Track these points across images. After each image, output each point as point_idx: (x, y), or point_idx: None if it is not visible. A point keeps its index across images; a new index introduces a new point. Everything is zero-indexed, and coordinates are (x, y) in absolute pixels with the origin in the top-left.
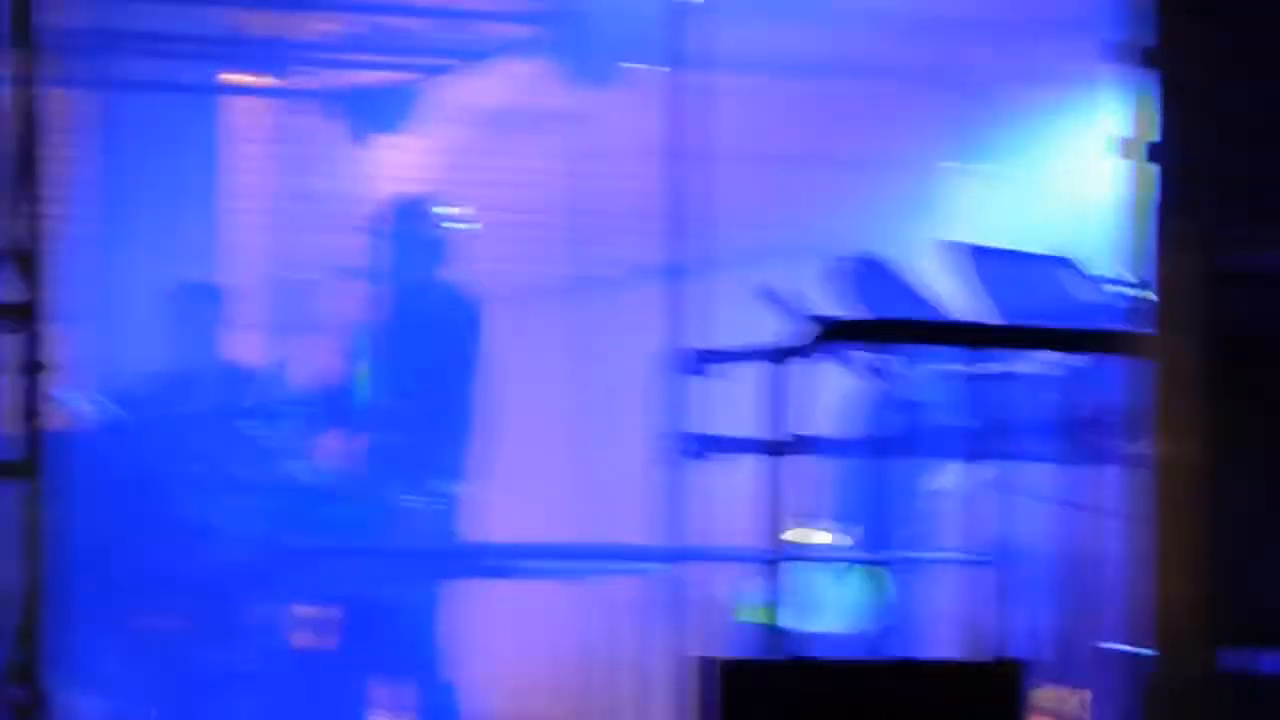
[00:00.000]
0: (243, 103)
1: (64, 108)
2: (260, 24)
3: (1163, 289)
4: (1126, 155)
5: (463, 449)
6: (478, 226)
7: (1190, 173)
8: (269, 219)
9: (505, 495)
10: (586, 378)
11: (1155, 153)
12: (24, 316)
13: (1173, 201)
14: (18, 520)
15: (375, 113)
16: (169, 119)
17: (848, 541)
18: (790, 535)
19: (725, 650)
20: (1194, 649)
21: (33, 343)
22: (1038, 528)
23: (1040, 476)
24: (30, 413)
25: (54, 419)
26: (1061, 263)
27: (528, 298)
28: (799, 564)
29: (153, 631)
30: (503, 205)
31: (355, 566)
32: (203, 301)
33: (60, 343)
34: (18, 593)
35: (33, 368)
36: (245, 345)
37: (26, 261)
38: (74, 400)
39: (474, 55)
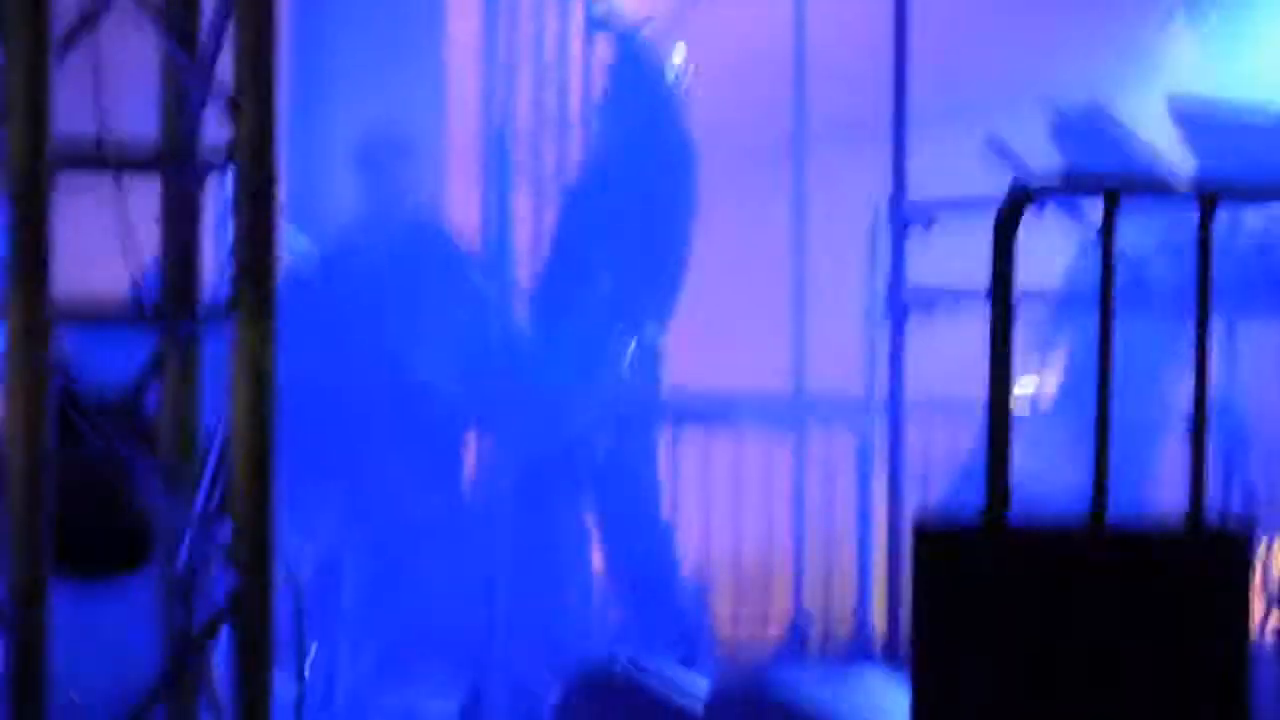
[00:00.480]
0: None
1: None
2: None
3: None
4: None
5: (677, 297)
6: (695, 74)
7: None
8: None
9: (724, 346)
10: (808, 231)
11: None
12: (258, 160)
13: None
14: (241, 363)
15: None
16: None
17: (1068, 398)
18: (1018, 389)
19: (944, 508)
20: None
21: (267, 185)
22: (1263, 389)
23: (1266, 336)
24: (263, 255)
25: (280, 260)
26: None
27: (750, 150)
28: (1024, 419)
29: (372, 477)
30: (724, 58)
31: (571, 414)
32: (398, 154)
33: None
34: (245, 440)
35: (266, 211)
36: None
37: (262, 105)
38: (293, 240)
39: None
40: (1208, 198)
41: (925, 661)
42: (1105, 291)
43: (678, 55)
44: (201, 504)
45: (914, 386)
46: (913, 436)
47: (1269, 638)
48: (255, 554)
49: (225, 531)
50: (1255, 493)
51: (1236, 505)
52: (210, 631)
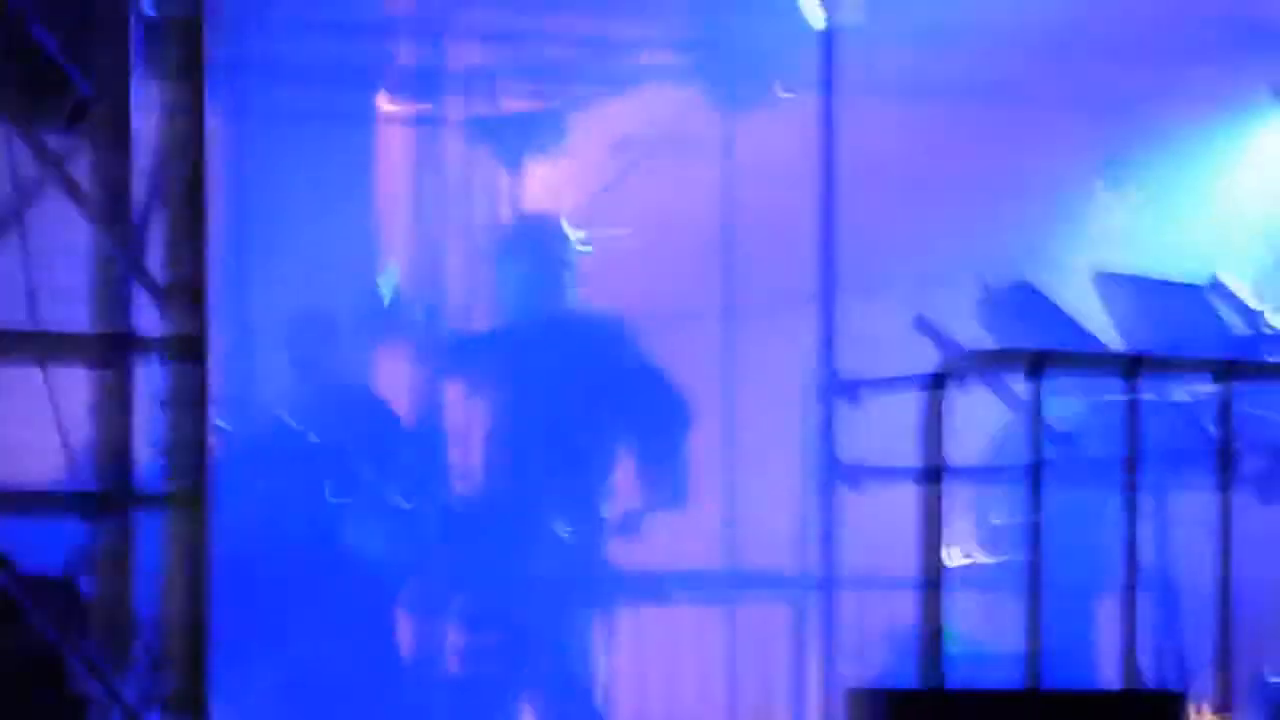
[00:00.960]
0: (393, 130)
1: (224, 137)
2: (410, 53)
3: None
4: None
5: (609, 474)
6: (621, 247)
7: None
8: (417, 245)
9: (655, 521)
10: (737, 403)
11: None
12: (190, 349)
13: None
14: (175, 549)
15: (524, 139)
16: (322, 147)
17: (1003, 568)
18: (949, 560)
19: (879, 679)
20: None
21: (199, 375)
22: (1192, 555)
23: (1194, 505)
24: (196, 443)
25: (213, 448)
26: (1211, 289)
27: (677, 322)
28: (957, 591)
29: (309, 657)
30: (652, 230)
31: (507, 593)
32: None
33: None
34: (180, 622)
35: (199, 400)
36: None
37: (193, 294)
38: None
39: (622, 82)
40: (1130, 365)
41: None
42: (1034, 457)
43: (573, 231)
44: (135, 687)
45: (849, 560)
46: (849, 610)
47: None
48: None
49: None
50: (1185, 658)
51: (1169, 669)
52: None
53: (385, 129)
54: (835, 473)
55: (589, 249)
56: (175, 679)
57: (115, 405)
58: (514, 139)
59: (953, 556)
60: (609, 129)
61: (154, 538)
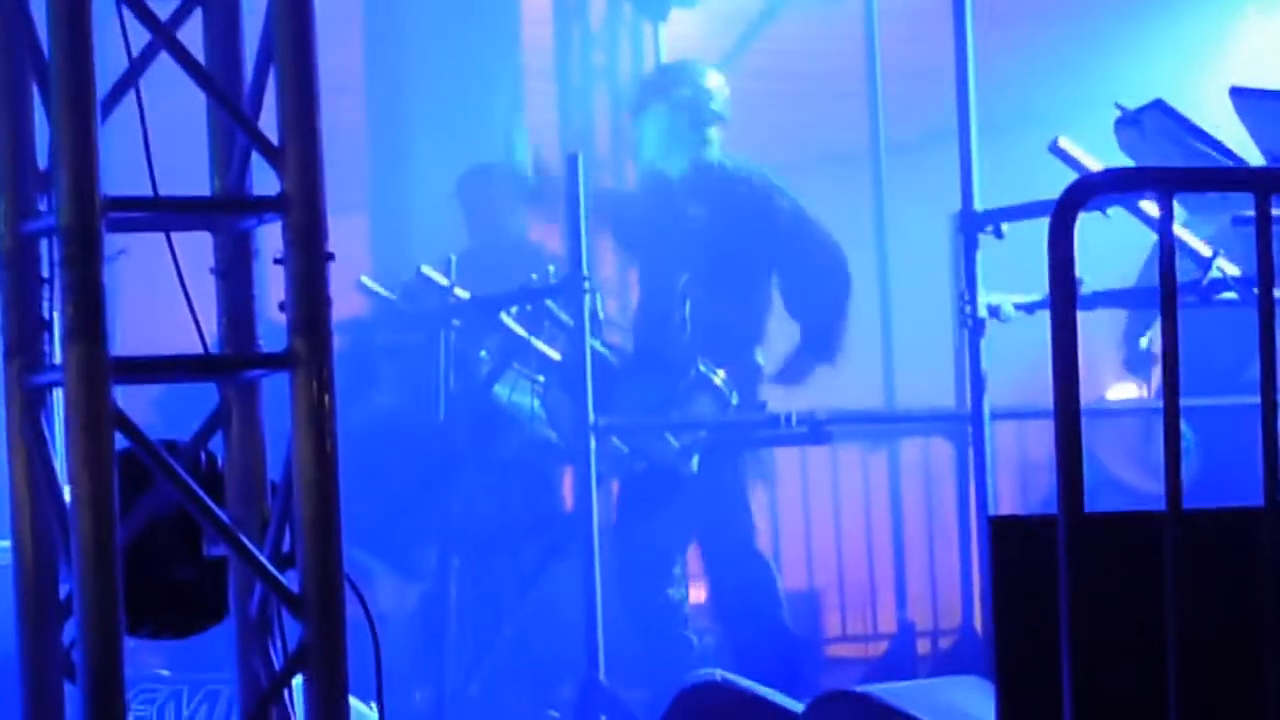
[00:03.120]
0: None
1: None
2: None
3: None
4: None
5: (761, 317)
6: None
7: None
8: (563, 99)
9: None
10: (885, 242)
11: None
12: (306, 208)
13: None
14: (301, 409)
15: None
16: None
17: (1149, 393)
18: (1115, 392)
19: (1035, 508)
20: None
21: (316, 234)
22: None
23: None
24: (317, 301)
25: (338, 307)
26: None
27: (824, 166)
28: (1108, 418)
29: (466, 512)
30: (799, 73)
31: (661, 439)
32: (493, 183)
33: (348, 234)
34: (308, 484)
35: (317, 257)
36: (543, 228)
37: (306, 154)
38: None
39: None
40: (1260, 186)
41: (1007, 654)
42: (1167, 283)
43: (714, 80)
44: (270, 552)
45: (1003, 393)
46: (1006, 441)
47: None
48: (325, 601)
49: (295, 580)
50: None
51: None
52: (284, 680)
53: None
54: (979, 307)
55: (725, 97)
56: (307, 546)
57: (237, 268)
58: None
59: (1109, 385)
60: None
61: (283, 399)
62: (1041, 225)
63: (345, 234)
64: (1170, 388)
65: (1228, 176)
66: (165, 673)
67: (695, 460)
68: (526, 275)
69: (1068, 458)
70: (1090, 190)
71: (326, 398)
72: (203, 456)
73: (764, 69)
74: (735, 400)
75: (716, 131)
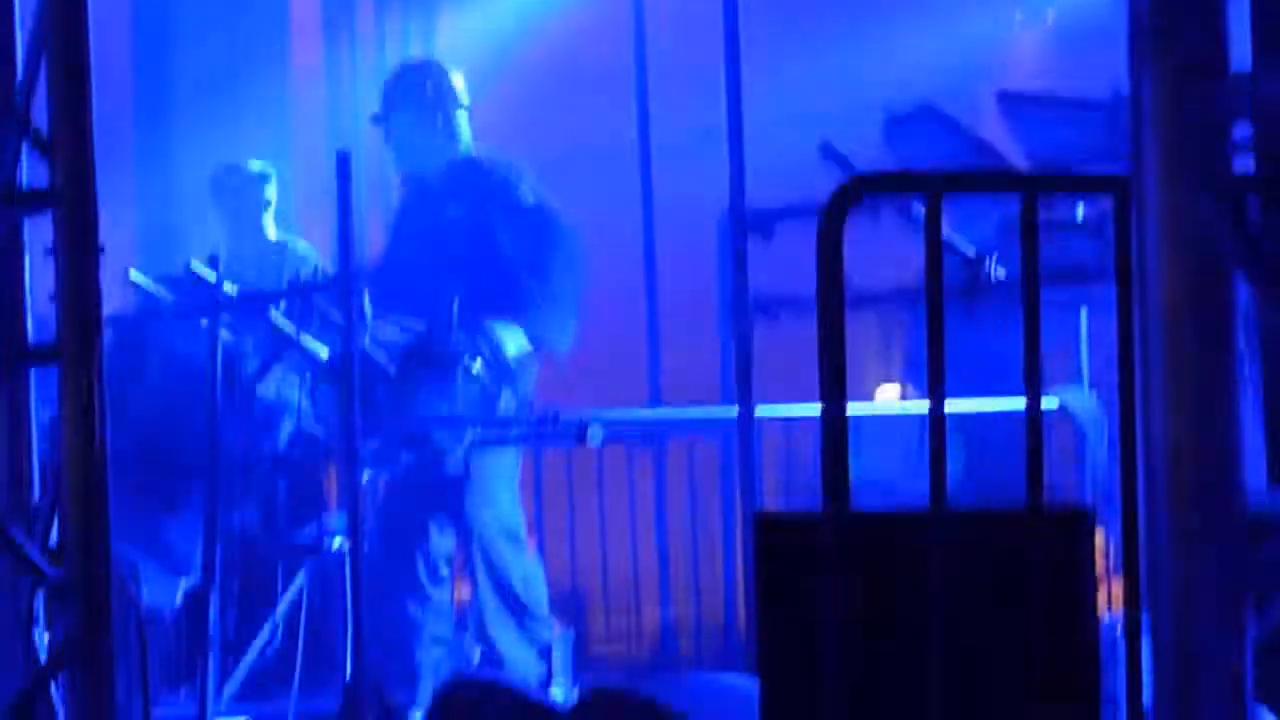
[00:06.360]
0: None
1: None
2: None
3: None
4: None
5: (527, 316)
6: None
7: None
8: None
9: (576, 362)
10: (651, 241)
11: None
12: (77, 201)
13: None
14: (70, 402)
15: None
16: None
17: (913, 395)
18: (881, 394)
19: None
20: None
21: (87, 227)
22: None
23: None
24: (86, 295)
25: (107, 300)
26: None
27: (593, 162)
28: (869, 421)
29: (230, 512)
30: (563, 73)
31: (434, 438)
32: (249, 183)
33: (115, 227)
34: (75, 475)
35: (87, 251)
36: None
37: (78, 147)
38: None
39: None
40: (1028, 189)
41: (770, 650)
42: (932, 286)
43: (457, 79)
44: (38, 545)
45: (770, 392)
46: (773, 442)
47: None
48: (90, 592)
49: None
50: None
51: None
52: (51, 672)
53: None
54: (749, 306)
55: (463, 86)
56: (72, 538)
57: (9, 260)
58: None
59: (883, 391)
60: None
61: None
62: (811, 226)
63: (113, 226)
64: (935, 387)
65: (996, 179)
66: None
67: (462, 458)
68: (279, 272)
69: (832, 459)
70: (859, 190)
71: (96, 391)
72: None
73: (534, 65)
74: (508, 400)
75: (464, 119)
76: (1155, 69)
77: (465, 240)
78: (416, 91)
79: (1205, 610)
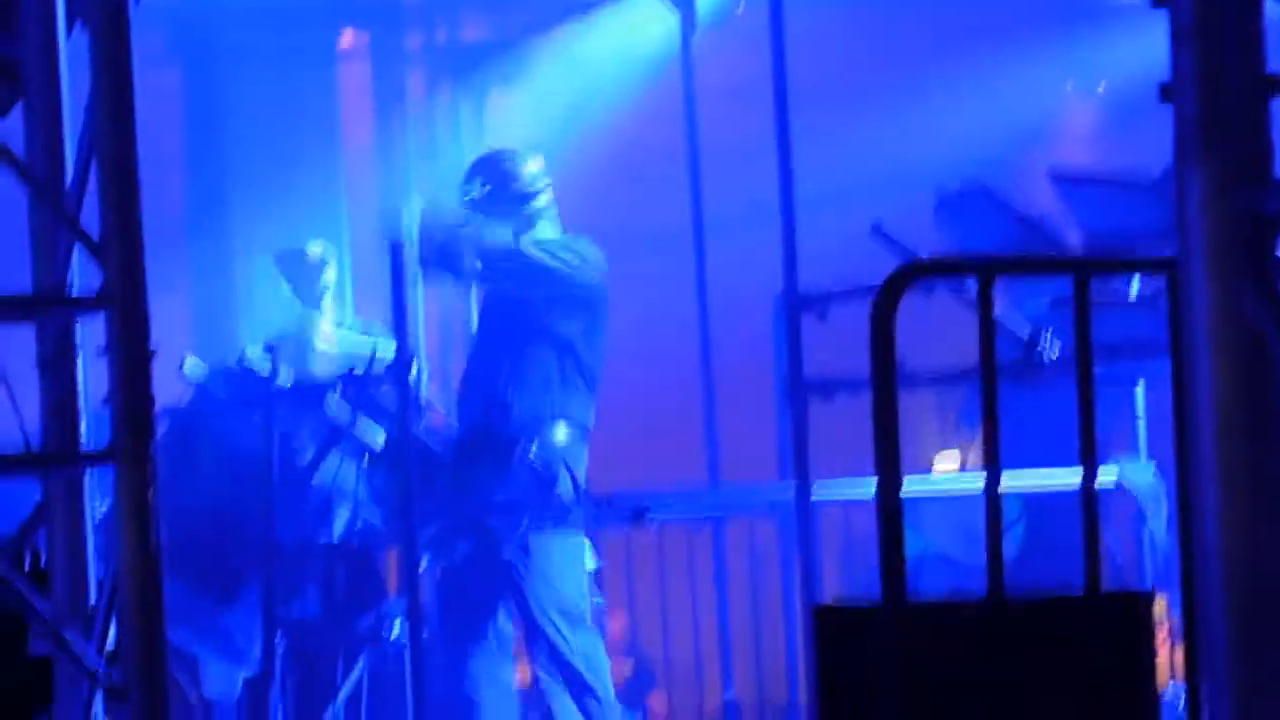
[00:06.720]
0: (354, 65)
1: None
2: None
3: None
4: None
5: (585, 398)
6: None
7: None
8: (385, 180)
9: (633, 443)
10: (706, 321)
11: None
12: (127, 302)
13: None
14: (125, 503)
15: (486, 69)
16: (282, 86)
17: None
18: (940, 464)
19: (864, 588)
20: None
21: (138, 328)
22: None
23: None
24: (139, 396)
25: (164, 397)
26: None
27: (645, 243)
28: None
29: (288, 601)
30: (617, 153)
31: (491, 523)
32: (308, 266)
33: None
34: (133, 578)
35: (140, 352)
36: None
37: (127, 247)
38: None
39: (582, 6)
40: (1079, 271)
41: None
42: (986, 364)
43: (535, 164)
44: (95, 646)
45: (828, 472)
46: (831, 523)
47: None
48: (148, 693)
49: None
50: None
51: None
52: None
53: (346, 66)
54: (804, 386)
55: (546, 181)
56: (131, 637)
57: (60, 363)
58: (475, 70)
59: (943, 459)
60: (570, 53)
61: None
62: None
63: (166, 316)
64: (991, 469)
65: (1048, 262)
66: None
67: (519, 543)
68: (339, 355)
69: (889, 547)
70: (915, 275)
71: (150, 492)
72: (27, 553)
73: (585, 144)
74: (565, 483)
75: (542, 206)
76: (1201, 174)
77: (523, 320)
78: (485, 187)
79: (1264, 685)
